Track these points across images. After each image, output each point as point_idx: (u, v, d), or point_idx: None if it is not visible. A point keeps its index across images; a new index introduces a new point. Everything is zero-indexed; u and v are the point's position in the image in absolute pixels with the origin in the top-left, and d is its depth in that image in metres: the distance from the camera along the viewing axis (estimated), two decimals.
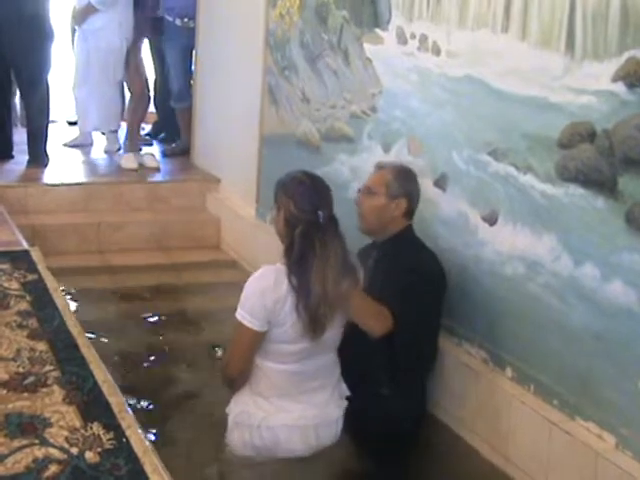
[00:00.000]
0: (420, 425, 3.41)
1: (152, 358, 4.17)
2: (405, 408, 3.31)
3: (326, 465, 2.99)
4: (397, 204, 3.35)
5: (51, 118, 7.26)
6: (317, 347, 2.82)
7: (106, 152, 6.87)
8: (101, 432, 2.36)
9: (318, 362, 2.88)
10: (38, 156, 6.21)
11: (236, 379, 2.85)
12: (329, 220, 2.79)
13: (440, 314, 3.39)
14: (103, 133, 7.06)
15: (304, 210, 2.76)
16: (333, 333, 2.87)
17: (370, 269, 3.21)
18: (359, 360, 3.12)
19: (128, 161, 6.36)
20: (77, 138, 7.03)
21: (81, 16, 6.57)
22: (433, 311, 3.35)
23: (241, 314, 2.76)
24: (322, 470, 2.99)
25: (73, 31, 6.89)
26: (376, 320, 3.06)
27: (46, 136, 6.34)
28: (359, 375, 3.13)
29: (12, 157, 6.32)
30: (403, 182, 3.38)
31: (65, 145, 6.95)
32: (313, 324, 2.74)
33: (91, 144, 7.04)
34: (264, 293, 2.73)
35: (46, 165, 6.19)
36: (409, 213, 3.40)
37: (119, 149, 6.85)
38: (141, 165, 6.39)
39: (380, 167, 3.49)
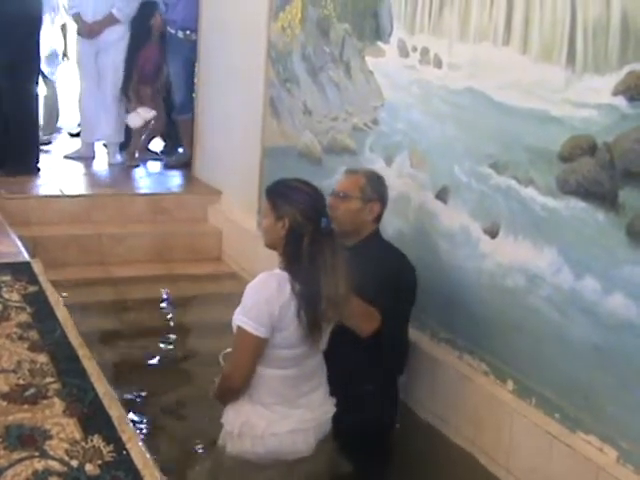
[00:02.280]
0: (395, 422, 3.44)
1: (153, 369, 4.18)
2: (386, 406, 3.37)
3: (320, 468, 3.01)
4: (371, 208, 3.42)
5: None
6: (311, 350, 2.84)
7: (110, 165, 6.87)
8: (101, 445, 2.35)
9: (311, 364, 2.90)
10: (27, 165, 6.20)
11: (240, 389, 2.84)
12: (329, 226, 2.82)
13: (411, 310, 3.45)
14: (105, 145, 7.07)
15: (311, 218, 2.79)
16: (325, 335, 2.90)
17: None
18: (343, 361, 3.12)
19: (134, 119, 6.58)
20: (79, 150, 7.02)
21: (99, 28, 6.59)
22: (408, 307, 3.42)
23: (245, 322, 2.75)
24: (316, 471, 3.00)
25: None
26: (366, 321, 3.13)
27: (35, 145, 6.33)
28: (343, 376, 3.13)
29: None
30: (376, 186, 3.46)
31: (66, 157, 6.94)
32: (313, 328, 2.76)
33: (93, 157, 7.02)
34: (269, 300, 2.73)
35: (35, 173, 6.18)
36: (379, 217, 3.47)
37: (120, 162, 6.89)
38: (145, 121, 6.62)
39: (352, 172, 3.56)
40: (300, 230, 2.78)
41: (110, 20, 6.60)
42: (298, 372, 2.86)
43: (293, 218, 2.80)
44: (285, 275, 2.77)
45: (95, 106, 6.81)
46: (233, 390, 2.86)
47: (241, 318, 2.76)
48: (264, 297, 2.74)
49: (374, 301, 3.14)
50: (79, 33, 6.75)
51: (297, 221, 2.79)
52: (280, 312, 2.73)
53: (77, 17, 6.70)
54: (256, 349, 2.78)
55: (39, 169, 6.27)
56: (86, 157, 6.95)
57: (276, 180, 2.99)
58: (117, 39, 6.68)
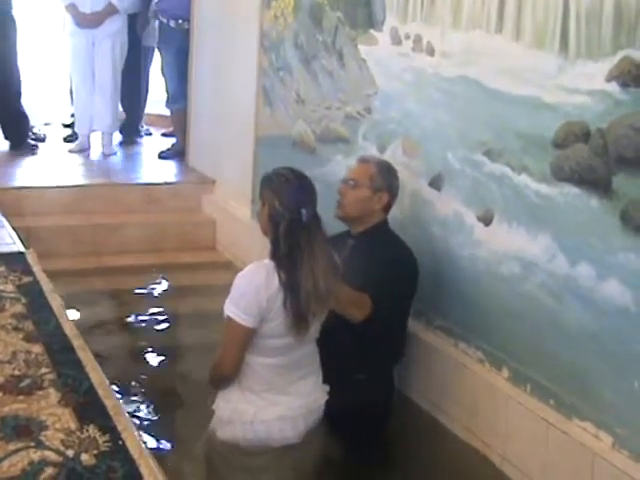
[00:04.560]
0: (390, 409, 3.44)
1: (147, 357, 4.19)
2: (377, 392, 3.36)
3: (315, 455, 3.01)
4: (380, 197, 3.44)
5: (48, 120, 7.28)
6: (301, 340, 2.85)
7: (105, 155, 6.84)
8: (97, 434, 2.35)
9: (301, 353, 2.90)
10: None
11: (230, 377, 2.85)
12: (312, 218, 2.81)
13: (411, 302, 3.46)
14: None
15: (288, 207, 2.78)
16: (315, 326, 2.90)
17: (346, 257, 3.24)
18: (334, 347, 3.13)
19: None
20: (80, 143, 6.95)
21: (99, 19, 6.54)
22: (407, 299, 3.44)
23: (234, 312, 2.75)
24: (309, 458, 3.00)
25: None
26: (357, 307, 3.15)
27: None
28: (333, 362, 3.14)
29: None
30: (386, 176, 3.48)
31: (71, 151, 6.88)
32: (298, 321, 2.76)
33: (89, 148, 7.00)
34: (258, 290, 2.74)
35: None
36: (388, 207, 3.49)
37: (115, 153, 6.87)
38: None
39: (363, 161, 3.58)
40: (277, 217, 2.79)
41: (109, 10, 6.56)
42: (287, 361, 2.86)
43: (272, 204, 2.81)
44: (273, 265, 2.78)
45: (90, 98, 6.77)
46: (224, 378, 2.87)
47: (230, 308, 2.77)
48: (253, 287, 2.75)
49: (367, 288, 3.14)
50: (77, 24, 6.68)
51: (275, 207, 2.80)
52: (268, 303, 2.74)
53: (72, 8, 6.63)
54: (245, 339, 2.79)
55: None
56: (85, 149, 6.92)
57: (275, 168, 3.00)
58: (117, 30, 6.64)
